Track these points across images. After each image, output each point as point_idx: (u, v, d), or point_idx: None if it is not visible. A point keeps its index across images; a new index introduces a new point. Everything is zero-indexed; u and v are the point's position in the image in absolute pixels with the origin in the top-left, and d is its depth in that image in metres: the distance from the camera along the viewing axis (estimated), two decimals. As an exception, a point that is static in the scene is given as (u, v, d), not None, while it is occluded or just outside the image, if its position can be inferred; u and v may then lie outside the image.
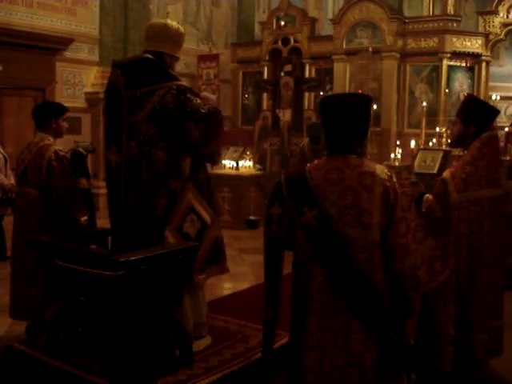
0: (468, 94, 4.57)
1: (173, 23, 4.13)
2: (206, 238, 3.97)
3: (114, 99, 3.98)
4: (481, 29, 12.79)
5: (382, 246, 2.80)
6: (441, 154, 8.33)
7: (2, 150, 7.94)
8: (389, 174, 2.84)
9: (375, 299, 2.76)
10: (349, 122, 2.90)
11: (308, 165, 2.99)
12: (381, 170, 2.85)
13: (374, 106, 11.42)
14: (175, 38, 4.11)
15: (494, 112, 4.17)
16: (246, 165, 10.88)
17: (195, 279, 3.92)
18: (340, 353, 2.78)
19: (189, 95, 3.87)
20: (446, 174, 3.92)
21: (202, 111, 3.87)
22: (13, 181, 7.14)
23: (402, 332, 2.86)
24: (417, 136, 10.05)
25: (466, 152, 3.99)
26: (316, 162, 2.99)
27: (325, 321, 2.80)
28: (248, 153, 11.25)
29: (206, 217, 3.99)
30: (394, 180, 2.84)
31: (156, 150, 3.82)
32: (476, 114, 4.00)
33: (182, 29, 4.19)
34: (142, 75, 3.91)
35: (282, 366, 4.00)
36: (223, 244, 4.20)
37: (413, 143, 9.07)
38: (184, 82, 4.03)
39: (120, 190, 3.93)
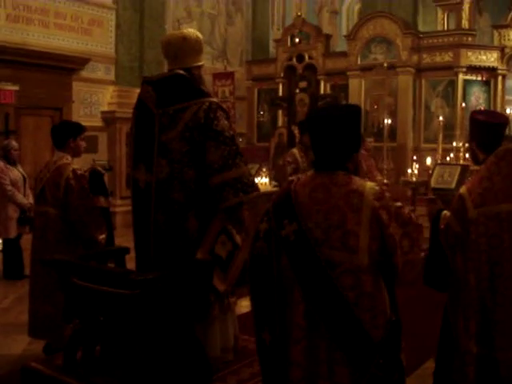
0: (472, 111, 4.50)
1: (190, 33, 3.99)
2: (236, 259, 3.84)
3: (145, 117, 3.87)
4: (496, 42, 12.79)
5: (383, 264, 2.63)
6: (458, 169, 8.28)
7: (21, 169, 8.02)
8: (379, 191, 2.64)
9: (356, 330, 2.57)
10: (336, 135, 2.71)
11: (295, 181, 2.83)
12: (370, 187, 2.64)
13: (389, 121, 11.42)
14: (197, 48, 3.98)
15: (491, 127, 4.04)
16: (263, 181, 10.86)
17: (226, 302, 3.87)
18: None
19: (218, 114, 3.73)
20: (462, 189, 3.87)
21: (227, 134, 3.71)
22: (31, 200, 7.19)
23: (390, 367, 2.67)
24: (433, 151, 10.01)
25: (482, 167, 3.95)
26: (303, 177, 2.83)
27: (310, 350, 2.62)
28: (264, 169, 11.23)
29: (237, 238, 3.86)
30: (387, 197, 2.64)
31: (188, 169, 3.70)
32: (472, 130, 3.99)
33: (199, 34, 4.04)
34: (175, 92, 3.80)
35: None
36: None
37: (429, 160, 9.03)
38: (216, 99, 3.95)
39: (149, 211, 3.80)
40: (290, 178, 7.47)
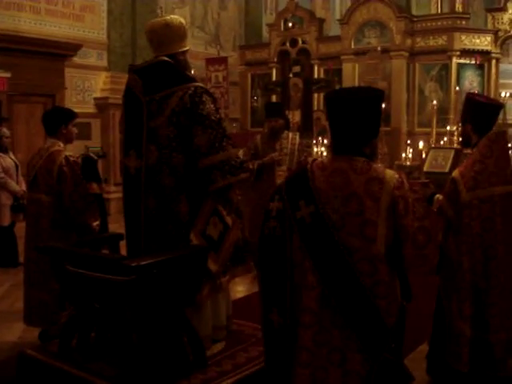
0: (467, 93, 4.50)
1: (173, 19, 3.99)
2: (227, 240, 3.89)
3: (133, 104, 3.92)
4: (490, 26, 12.75)
5: (395, 253, 2.62)
6: (452, 153, 8.29)
7: (13, 157, 7.99)
8: (400, 180, 2.62)
9: (373, 316, 2.57)
10: (357, 119, 2.65)
11: (311, 162, 2.79)
12: (391, 176, 2.62)
13: (383, 105, 11.41)
14: (181, 33, 3.99)
15: (490, 109, 4.07)
16: (256, 167, 10.84)
17: (218, 282, 3.88)
18: (336, 371, 2.58)
19: (204, 98, 3.77)
20: (455, 173, 3.88)
21: (213, 118, 3.75)
22: (24, 187, 7.18)
23: (398, 351, 2.72)
24: (427, 135, 10.00)
25: (474, 150, 3.95)
26: (321, 160, 2.81)
27: (321, 335, 2.59)
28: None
29: (228, 219, 3.91)
30: (406, 187, 2.63)
31: (177, 154, 3.75)
32: (469, 112, 3.98)
33: (182, 19, 4.05)
34: (160, 79, 3.85)
35: None
36: (248, 244, 4.12)
37: (421, 144, 9.01)
38: (202, 84, 3.97)
39: (139, 196, 3.84)
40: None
